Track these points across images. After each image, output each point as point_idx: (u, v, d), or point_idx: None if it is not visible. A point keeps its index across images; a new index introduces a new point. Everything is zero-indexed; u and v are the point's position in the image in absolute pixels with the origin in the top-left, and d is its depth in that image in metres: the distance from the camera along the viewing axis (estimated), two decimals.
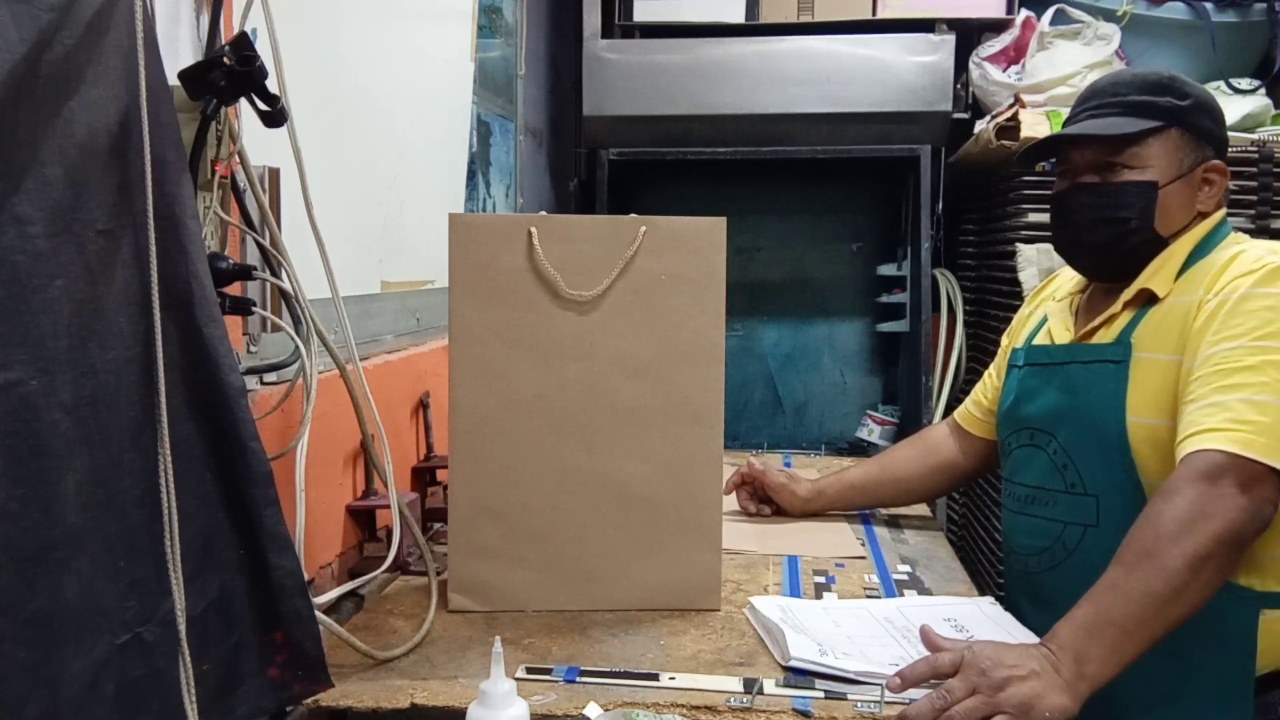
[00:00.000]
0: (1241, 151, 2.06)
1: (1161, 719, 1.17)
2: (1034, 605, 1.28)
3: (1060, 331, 1.34)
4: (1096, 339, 1.27)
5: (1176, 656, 1.08)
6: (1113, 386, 1.21)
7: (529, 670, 1.03)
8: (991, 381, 1.52)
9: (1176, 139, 1.24)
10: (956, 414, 1.59)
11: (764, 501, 1.63)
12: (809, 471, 2.03)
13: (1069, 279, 1.42)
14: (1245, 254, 1.18)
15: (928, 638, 1.03)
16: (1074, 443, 1.25)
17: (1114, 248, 1.26)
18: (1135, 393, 1.19)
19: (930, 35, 2.34)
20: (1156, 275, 1.23)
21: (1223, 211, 1.28)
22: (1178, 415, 1.13)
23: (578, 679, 1.01)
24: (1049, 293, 1.46)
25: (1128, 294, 1.25)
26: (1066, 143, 1.29)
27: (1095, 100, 1.29)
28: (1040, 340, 1.37)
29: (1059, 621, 1.01)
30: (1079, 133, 1.26)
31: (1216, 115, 1.28)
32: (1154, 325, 1.21)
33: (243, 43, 0.89)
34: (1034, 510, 1.30)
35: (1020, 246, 2.10)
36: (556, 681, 1.01)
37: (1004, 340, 1.53)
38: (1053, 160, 2.03)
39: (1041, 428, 1.30)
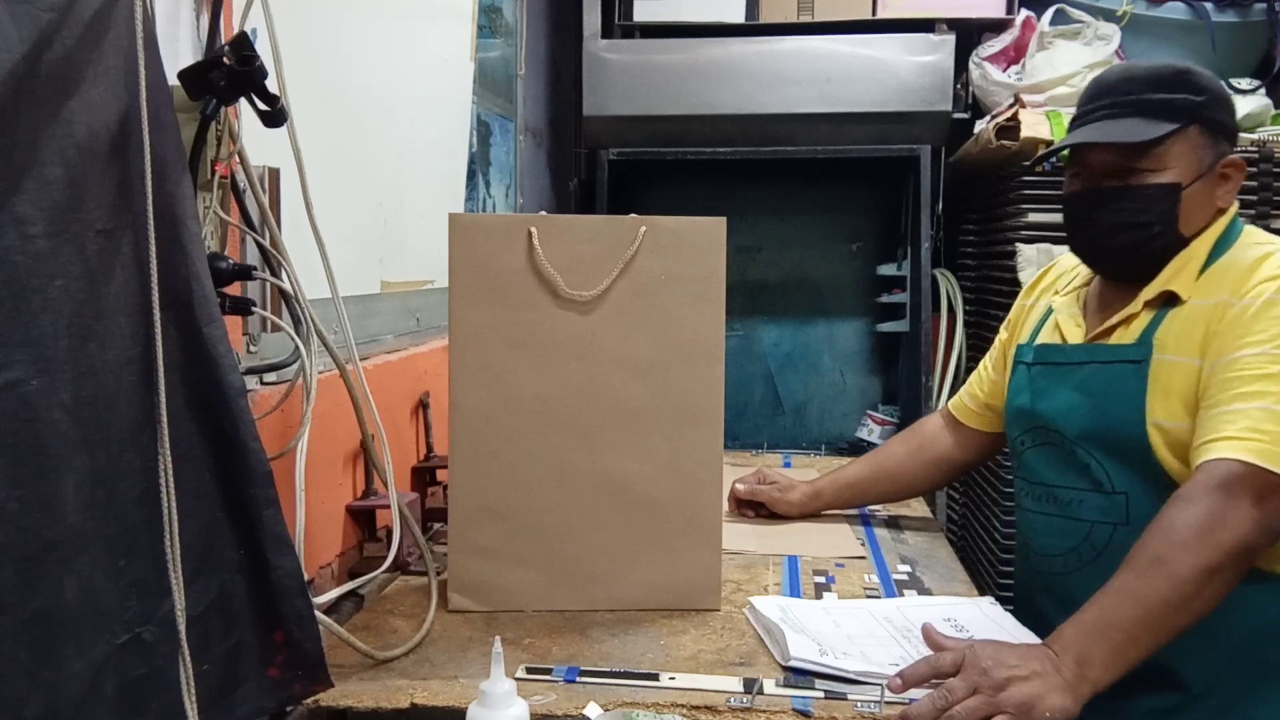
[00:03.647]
0: (1241, 151, 2.06)
1: (1199, 708, 1.16)
2: (1059, 607, 1.22)
3: (1071, 328, 1.31)
4: (1115, 339, 1.24)
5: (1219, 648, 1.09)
6: (1132, 388, 1.18)
7: (529, 670, 1.03)
8: (988, 374, 1.50)
9: (1195, 138, 1.20)
10: (951, 405, 1.58)
11: (760, 505, 1.63)
12: (808, 472, 2.02)
13: (1070, 269, 1.39)
14: (1274, 256, 1.16)
15: (930, 636, 1.03)
16: (1096, 443, 1.22)
17: (1137, 252, 1.23)
18: (1156, 396, 1.17)
19: (930, 35, 2.34)
20: (1178, 276, 1.20)
21: (1235, 206, 1.25)
22: (1196, 419, 1.11)
23: (578, 679, 1.01)
24: (1048, 284, 1.43)
25: (1148, 293, 1.21)
26: (1085, 145, 1.26)
27: (1108, 99, 1.24)
28: (1048, 338, 1.34)
29: (1064, 623, 1.01)
30: (1101, 140, 1.22)
31: (1230, 107, 1.25)
32: (1177, 327, 1.18)
33: (243, 43, 0.89)
34: (1057, 510, 1.28)
35: (1020, 246, 2.10)
36: (556, 681, 1.01)
37: (1002, 333, 1.50)
38: (1053, 160, 2.03)
39: (1059, 428, 1.27)
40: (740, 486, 1.62)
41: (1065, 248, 2.05)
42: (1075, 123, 1.28)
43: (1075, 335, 1.30)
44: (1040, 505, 1.31)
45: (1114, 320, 1.24)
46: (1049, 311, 1.37)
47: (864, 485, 1.61)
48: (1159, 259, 1.22)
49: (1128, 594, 1.00)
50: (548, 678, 1.01)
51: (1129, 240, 1.22)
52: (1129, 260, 1.25)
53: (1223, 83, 1.27)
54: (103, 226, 0.71)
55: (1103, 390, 1.22)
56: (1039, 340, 1.35)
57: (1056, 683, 0.94)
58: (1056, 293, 1.39)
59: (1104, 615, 0.99)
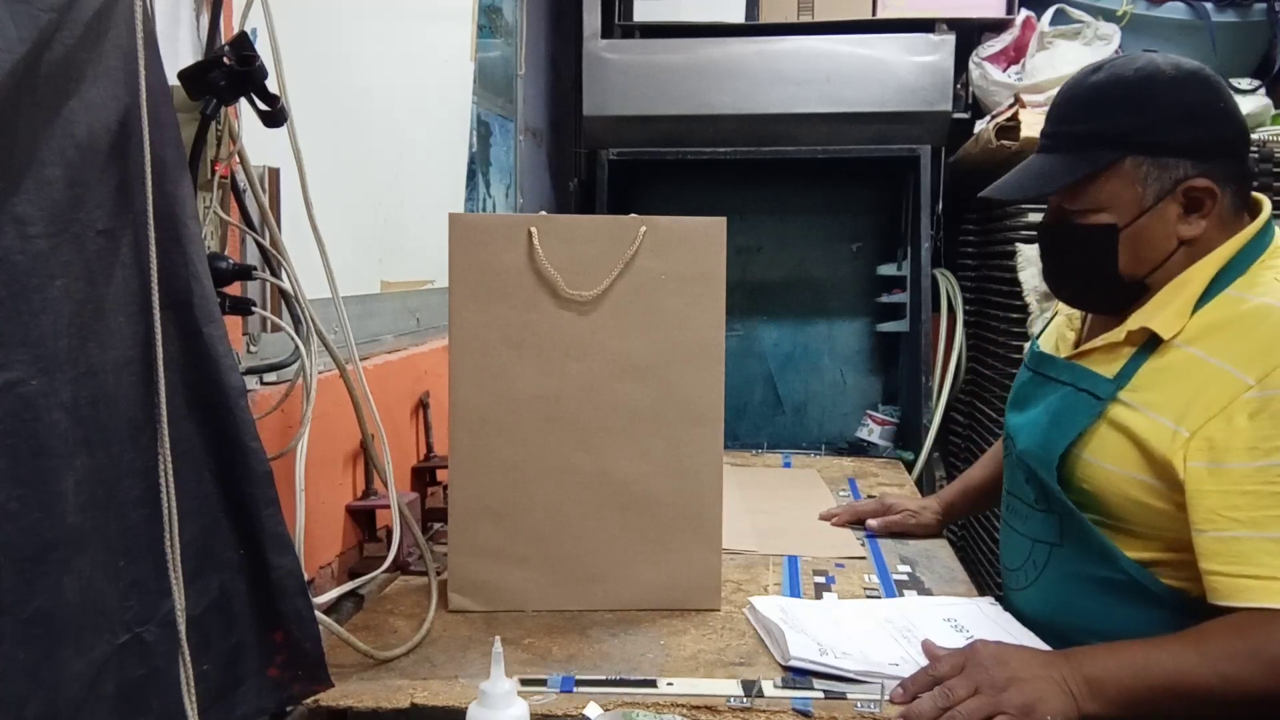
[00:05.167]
0: None
1: None
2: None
3: (1065, 335, 1.23)
4: (1095, 365, 1.12)
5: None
6: (1081, 418, 1.09)
7: (523, 682, 1.00)
8: None
9: (1131, 171, 1.06)
10: None
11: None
12: (808, 472, 2.03)
13: None
14: None
15: (929, 650, 1.03)
16: (1031, 459, 1.15)
17: (1086, 295, 1.17)
18: (1104, 435, 1.07)
19: (930, 35, 2.34)
20: (1162, 312, 1.06)
21: (1263, 218, 1.08)
22: (1216, 526, 0.97)
23: (574, 689, 0.99)
24: None
25: (1132, 324, 1.09)
26: None
27: (1049, 126, 1.16)
28: (1047, 345, 1.27)
29: (1099, 645, 0.97)
30: (998, 196, 1.13)
31: (1200, 115, 1.06)
32: (1156, 376, 1.05)
33: (243, 43, 0.89)
34: (1012, 521, 1.23)
35: (1020, 246, 2.10)
36: (552, 692, 0.99)
37: None
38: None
39: (1014, 437, 1.21)
40: (874, 523, 1.55)
41: None
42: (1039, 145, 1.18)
43: (1063, 347, 1.22)
44: (1005, 515, 1.26)
45: (1099, 343, 1.13)
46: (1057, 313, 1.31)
47: (998, 487, 1.48)
48: (1115, 301, 1.12)
49: (1177, 664, 0.94)
50: (541, 689, 0.99)
51: (1072, 282, 1.17)
52: (1083, 302, 1.20)
53: (1211, 82, 1.08)
54: (103, 226, 0.71)
55: (1059, 411, 1.14)
56: (1040, 343, 1.30)
57: (1061, 689, 0.93)
58: None
59: (1140, 663, 0.94)
